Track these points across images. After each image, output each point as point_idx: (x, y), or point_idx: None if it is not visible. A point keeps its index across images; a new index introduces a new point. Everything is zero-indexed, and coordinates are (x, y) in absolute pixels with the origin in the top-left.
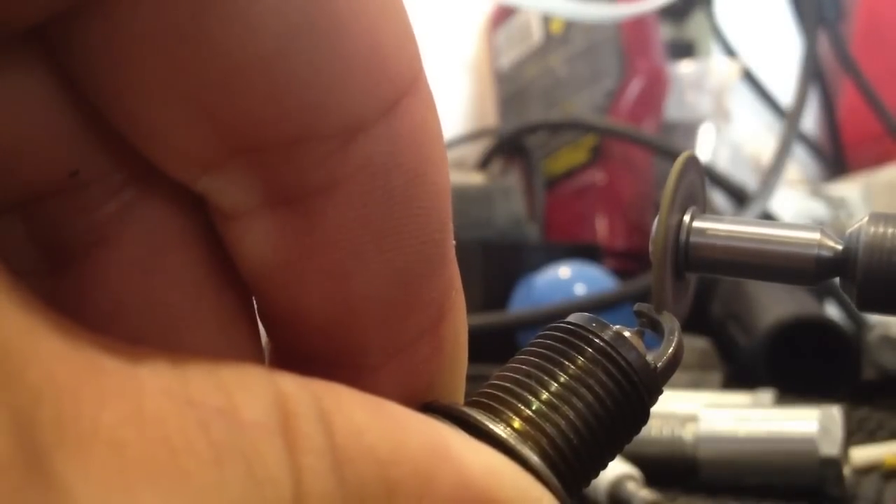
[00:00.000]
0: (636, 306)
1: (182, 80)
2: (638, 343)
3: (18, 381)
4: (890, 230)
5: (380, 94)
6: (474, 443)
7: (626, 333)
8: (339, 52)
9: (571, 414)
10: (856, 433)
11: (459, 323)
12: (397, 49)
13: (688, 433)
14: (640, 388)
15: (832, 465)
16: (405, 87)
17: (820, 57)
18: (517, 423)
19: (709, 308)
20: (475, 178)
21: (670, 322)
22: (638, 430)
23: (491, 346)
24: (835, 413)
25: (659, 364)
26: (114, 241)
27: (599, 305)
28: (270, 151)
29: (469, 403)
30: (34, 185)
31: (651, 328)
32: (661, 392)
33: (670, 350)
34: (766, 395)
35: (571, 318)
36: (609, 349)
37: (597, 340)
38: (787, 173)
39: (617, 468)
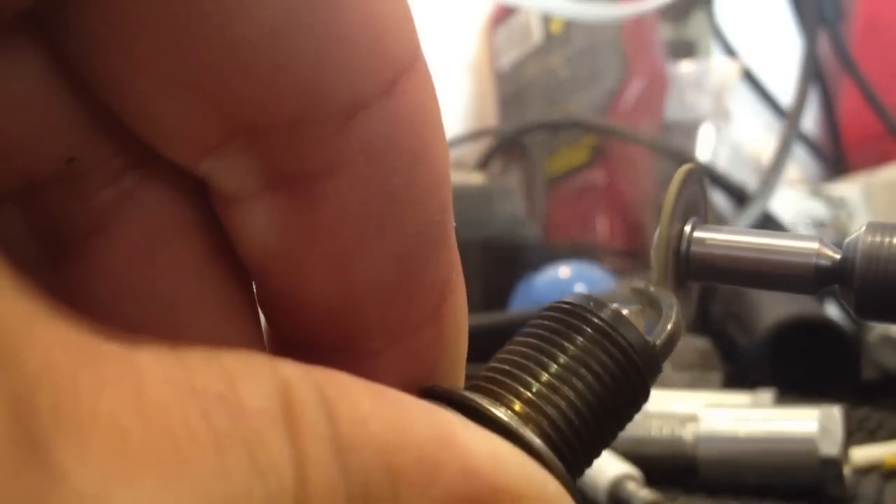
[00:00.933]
0: (633, 284)
1: (180, 62)
2: (637, 321)
3: (16, 368)
4: (887, 239)
5: (378, 74)
6: (478, 429)
7: (625, 312)
8: (338, 32)
9: (572, 395)
10: (856, 433)
11: (460, 306)
12: (395, 29)
13: (688, 433)
14: (640, 367)
15: (832, 465)
16: (403, 68)
17: (820, 57)
18: (518, 406)
19: (709, 308)
20: (475, 178)
21: (668, 298)
22: (639, 409)
23: (491, 346)
24: (835, 413)
25: (658, 341)
26: (113, 229)
27: None
28: (270, 133)
29: (469, 388)
30: (31, 173)
31: (648, 305)
32: (661, 370)
33: (669, 326)
34: (766, 395)
35: (568, 297)
36: (608, 328)
37: (595, 320)
38: (787, 173)
39: (617, 468)
